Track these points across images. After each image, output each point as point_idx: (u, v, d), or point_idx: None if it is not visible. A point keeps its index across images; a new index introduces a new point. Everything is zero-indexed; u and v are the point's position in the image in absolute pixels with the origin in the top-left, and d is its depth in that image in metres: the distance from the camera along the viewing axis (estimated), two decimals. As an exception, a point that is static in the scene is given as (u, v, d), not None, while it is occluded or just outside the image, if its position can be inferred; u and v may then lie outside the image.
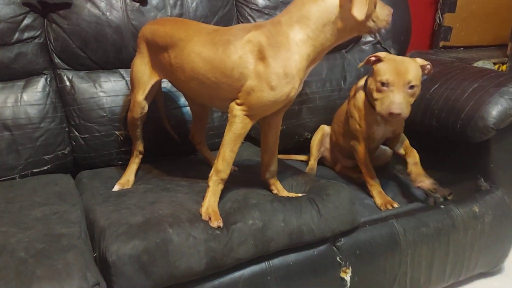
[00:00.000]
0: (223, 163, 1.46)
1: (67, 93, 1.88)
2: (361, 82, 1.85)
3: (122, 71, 1.95)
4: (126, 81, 1.93)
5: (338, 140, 2.02)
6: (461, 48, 3.28)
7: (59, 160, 1.87)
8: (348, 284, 1.59)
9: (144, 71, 1.66)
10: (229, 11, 2.10)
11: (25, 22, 1.79)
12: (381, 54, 1.68)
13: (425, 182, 1.70)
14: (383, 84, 1.63)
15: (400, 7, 2.36)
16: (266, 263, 1.47)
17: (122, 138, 1.92)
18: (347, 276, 1.58)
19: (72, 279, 1.15)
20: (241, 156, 1.93)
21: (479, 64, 2.90)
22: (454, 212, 1.74)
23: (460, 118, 1.80)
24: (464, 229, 1.75)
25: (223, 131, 1.46)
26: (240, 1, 2.15)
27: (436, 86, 1.98)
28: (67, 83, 1.88)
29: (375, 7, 1.41)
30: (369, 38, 2.37)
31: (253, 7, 2.14)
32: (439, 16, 3.20)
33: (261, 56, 1.38)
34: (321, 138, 2.12)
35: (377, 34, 2.36)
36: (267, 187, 1.67)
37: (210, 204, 1.45)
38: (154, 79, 1.66)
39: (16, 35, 1.78)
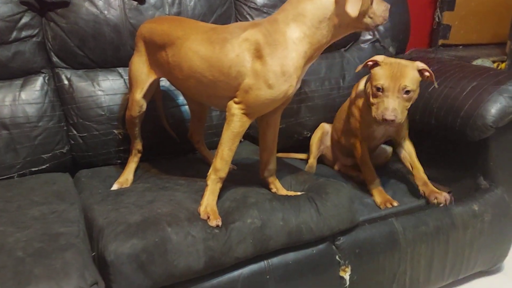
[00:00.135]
0: (222, 162, 1.46)
1: (65, 91, 1.87)
2: (362, 81, 1.85)
3: (120, 69, 1.95)
4: (124, 79, 1.93)
5: (339, 138, 2.02)
6: (460, 46, 3.28)
7: (58, 159, 1.87)
8: (348, 283, 1.58)
9: (142, 70, 1.66)
10: (228, 10, 2.09)
11: (23, 20, 1.79)
12: (379, 58, 1.67)
13: (440, 196, 1.72)
14: (378, 89, 1.63)
15: (399, 5, 2.36)
16: (265, 262, 1.47)
17: (120, 137, 1.91)
18: (346, 275, 1.58)
19: (70, 278, 1.14)
20: (240, 155, 1.93)
21: (478, 62, 2.90)
22: (453, 211, 1.74)
23: (459, 116, 1.80)
24: (464, 227, 1.75)
25: (222, 129, 1.46)
26: (238, -1, 2.15)
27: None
28: (65, 82, 1.88)
29: (371, 3, 1.41)
30: (368, 37, 2.37)
31: (251, 6, 2.13)
32: (438, 14, 3.19)
33: (258, 55, 1.38)
34: (321, 136, 2.11)
35: (376, 32, 2.36)
36: (266, 185, 1.67)
37: (208, 203, 1.45)
38: (152, 77, 1.66)
39: (14, 33, 1.77)
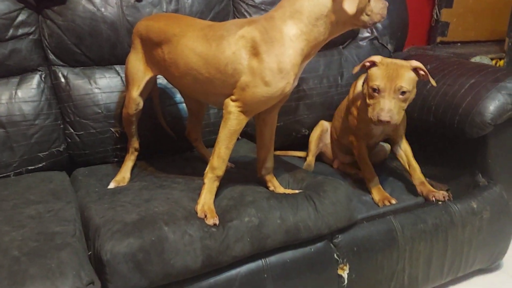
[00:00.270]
0: (219, 160, 1.45)
1: (62, 89, 1.86)
2: (360, 80, 1.84)
3: (117, 67, 1.94)
4: (121, 77, 1.92)
5: (338, 136, 2.01)
6: (459, 44, 3.28)
7: (54, 157, 1.86)
8: (346, 281, 1.58)
9: (138, 67, 1.66)
10: (225, 7, 2.08)
11: (20, 18, 1.78)
12: (376, 58, 1.66)
13: (438, 194, 1.74)
14: (374, 90, 1.62)
15: (397, 2, 2.36)
16: (263, 260, 1.46)
17: (117, 135, 1.91)
18: (344, 273, 1.58)
19: (66, 278, 1.14)
20: (238, 153, 1.92)
21: (477, 59, 2.89)
22: (452, 208, 1.74)
23: (458, 113, 1.79)
24: (462, 225, 1.75)
25: (219, 127, 1.45)
26: (236, -4, 2.14)
27: (434, 81, 1.97)
28: (62, 80, 1.87)
29: (369, 0, 1.40)
30: (366, 34, 2.36)
31: (249, 3, 2.12)
32: (436, 12, 3.19)
33: (255, 52, 1.37)
34: (320, 134, 2.11)
35: (374, 30, 2.35)
36: (263, 184, 1.66)
37: (205, 201, 1.44)
38: (148, 75, 1.65)
39: (11, 31, 1.76)
